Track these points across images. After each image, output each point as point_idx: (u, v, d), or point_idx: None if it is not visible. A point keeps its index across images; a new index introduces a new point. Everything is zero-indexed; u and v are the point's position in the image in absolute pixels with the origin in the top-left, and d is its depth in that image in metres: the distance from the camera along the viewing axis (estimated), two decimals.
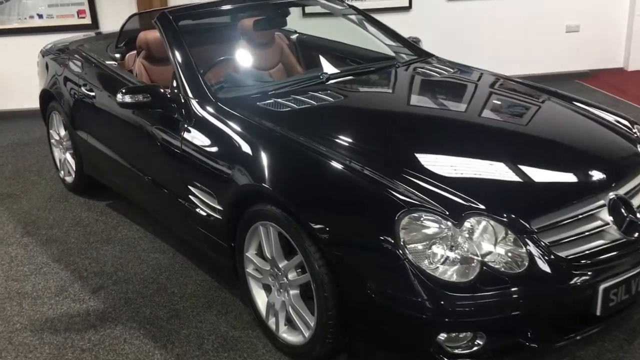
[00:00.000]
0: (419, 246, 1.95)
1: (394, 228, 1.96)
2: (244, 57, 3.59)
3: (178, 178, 2.88)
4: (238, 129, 2.62)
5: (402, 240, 1.94)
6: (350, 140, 2.44)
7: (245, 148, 2.50)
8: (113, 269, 3.19)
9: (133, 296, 2.94)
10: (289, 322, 2.44)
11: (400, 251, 1.92)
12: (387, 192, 2.06)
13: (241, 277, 2.63)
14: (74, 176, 4.14)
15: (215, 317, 2.74)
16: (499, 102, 2.95)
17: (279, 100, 2.77)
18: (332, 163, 2.25)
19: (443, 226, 1.96)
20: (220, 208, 2.59)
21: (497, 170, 2.25)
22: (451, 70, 3.25)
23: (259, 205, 2.40)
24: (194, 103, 2.83)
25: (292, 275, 2.33)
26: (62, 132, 4.15)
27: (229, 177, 2.50)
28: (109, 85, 3.52)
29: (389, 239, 1.95)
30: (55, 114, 4.18)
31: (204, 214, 2.70)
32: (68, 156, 4.16)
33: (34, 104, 4.43)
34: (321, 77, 3.04)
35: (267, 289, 2.53)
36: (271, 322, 2.50)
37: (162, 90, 2.88)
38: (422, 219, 1.98)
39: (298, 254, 2.24)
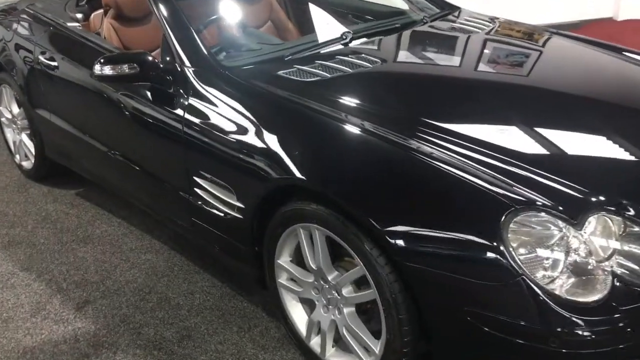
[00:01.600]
0: (533, 255, 1.51)
1: (500, 232, 1.51)
2: (235, 14, 3.01)
3: (179, 167, 2.34)
4: (260, 106, 2.10)
5: (511, 247, 1.50)
6: (413, 116, 1.95)
7: (274, 131, 1.99)
8: (98, 277, 2.65)
9: (129, 312, 2.42)
10: (336, 341, 2.00)
11: (511, 262, 1.49)
12: (486, 185, 1.60)
13: (270, 287, 2.16)
14: (33, 161, 3.50)
15: (237, 336, 2.26)
16: (580, 65, 2.51)
17: (303, 68, 2.24)
18: (401, 149, 1.77)
19: (560, 227, 1.53)
20: (241, 205, 2.09)
21: (606, 150, 1.83)
22: (490, 25, 2.79)
23: (296, 203, 1.91)
24: (195, 74, 2.27)
25: (347, 291, 1.87)
26: (16, 110, 3.49)
27: (253, 168, 1.99)
28: (74, 53, 2.89)
29: (494, 246, 1.51)
30: (5, 88, 3.50)
31: (217, 211, 2.19)
32: (24, 137, 3.51)
33: None
34: (344, 37, 2.51)
35: (308, 303, 2.06)
36: (314, 343, 2.04)
37: (152, 59, 2.30)
38: (534, 219, 1.54)
39: (357, 265, 1.79)
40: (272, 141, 1.96)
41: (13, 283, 2.64)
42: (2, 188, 3.53)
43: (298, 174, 1.85)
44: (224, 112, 2.14)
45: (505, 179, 1.62)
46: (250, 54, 2.48)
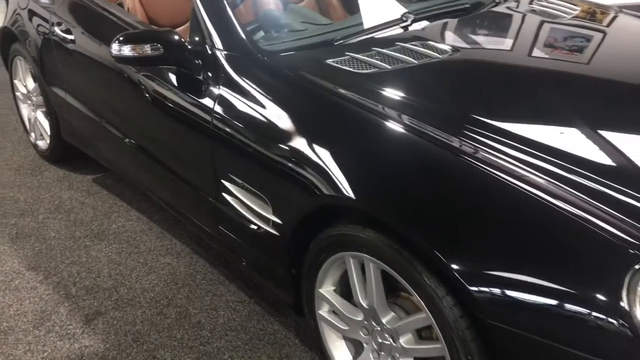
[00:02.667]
0: None
1: (621, 291, 1.15)
2: None
3: (205, 166, 2.01)
4: (306, 103, 1.74)
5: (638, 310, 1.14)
6: (501, 126, 1.54)
7: (323, 136, 1.63)
8: (112, 283, 2.35)
9: (144, 329, 2.11)
10: None
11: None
12: (603, 225, 1.23)
13: (307, 316, 1.83)
14: (48, 142, 3.21)
15: None
16: None
17: (357, 56, 1.86)
18: (487, 170, 1.39)
19: None
20: (278, 221, 1.75)
21: None
22: (576, 8, 2.36)
23: (347, 226, 1.56)
24: (229, 60, 1.92)
25: (406, 340, 1.52)
26: (31, 84, 3.18)
27: (295, 178, 1.64)
28: (93, 26, 2.55)
29: (614, 305, 1.14)
30: (20, 60, 3.19)
31: (248, 223, 1.86)
32: (40, 115, 3.21)
33: None
34: (404, 19, 2.12)
35: (354, 343, 1.73)
36: None
37: (178, 39, 1.95)
38: None
39: (417, 305, 1.44)
40: (320, 148, 1.60)
41: (17, 285, 2.35)
42: (15, 169, 3.25)
43: (350, 193, 1.50)
44: (262, 107, 1.79)
45: (628, 219, 1.24)
46: (292, 35, 2.10)
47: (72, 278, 2.38)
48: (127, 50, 1.95)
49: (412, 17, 2.12)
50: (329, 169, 1.55)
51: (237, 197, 1.90)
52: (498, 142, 1.46)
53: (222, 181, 1.94)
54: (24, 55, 3.07)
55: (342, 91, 1.69)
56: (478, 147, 1.44)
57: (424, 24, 2.14)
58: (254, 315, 2.15)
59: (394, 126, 1.55)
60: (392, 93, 1.69)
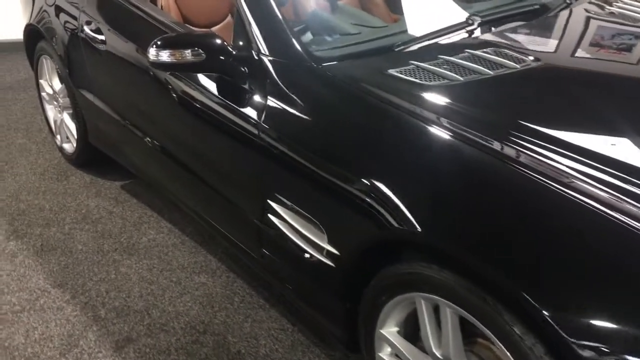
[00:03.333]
0: None
1: None
2: None
3: (250, 184, 1.82)
4: (368, 119, 1.54)
5: None
6: (606, 155, 1.32)
7: (390, 159, 1.43)
8: (143, 304, 2.18)
9: (179, 359, 1.94)
10: None
11: None
12: None
13: (364, 357, 1.63)
14: (74, 145, 3.05)
15: None
16: None
17: (423, 65, 1.66)
18: (583, 199, 1.18)
19: None
20: (334, 251, 1.55)
21: None
22: None
23: (419, 265, 1.36)
24: (277, 68, 1.73)
25: None
26: (57, 85, 3.02)
27: (356, 205, 1.44)
28: (125, 25, 2.38)
29: None
30: (46, 59, 3.03)
31: (298, 250, 1.67)
32: (66, 117, 3.05)
33: (19, 34, 3.26)
34: (469, 22, 1.91)
35: None
36: None
37: (221, 43, 1.76)
38: None
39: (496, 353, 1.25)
40: (387, 173, 1.40)
41: (43, 305, 2.19)
42: (40, 174, 3.10)
43: (424, 227, 1.30)
44: (317, 122, 1.60)
45: None
46: (346, 40, 1.90)
47: (100, 298, 2.22)
48: (165, 56, 1.77)
49: (478, 19, 1.91)
50: (399, 198, 1.36)
51: (286, 220, 1.71)
52: (597, 169, 1.26)
53: (269, 202, 1.75)
54: (50, 54, 2.91)
55: (410, 107, 1.49)
56: (576, 178, 1.24)
57: (492, 27, 1.93)
58: (298, 346, 1.97)
59: (473, 151, 1.34)
60: (470, 110, 1.48)
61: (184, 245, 2.50)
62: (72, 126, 3.02)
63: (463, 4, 2.01)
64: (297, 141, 1.62)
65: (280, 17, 1.79)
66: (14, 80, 4.42)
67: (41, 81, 3.17)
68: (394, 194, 1.37)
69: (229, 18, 2.77)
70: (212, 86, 1.90)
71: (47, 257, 2.45)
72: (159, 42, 1.77)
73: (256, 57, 1.77)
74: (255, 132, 1.72)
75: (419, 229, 1.31)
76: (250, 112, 1.75)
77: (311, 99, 1.64)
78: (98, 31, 2.44)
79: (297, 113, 1.63)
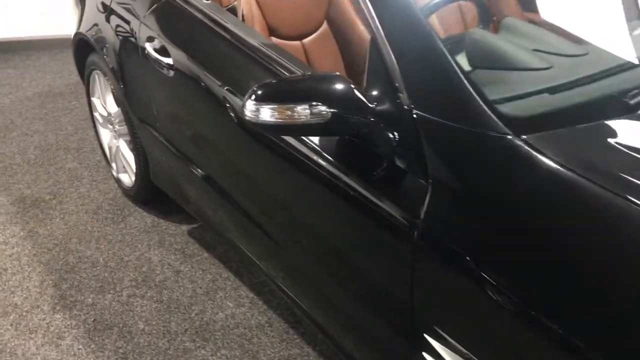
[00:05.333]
0: None
1: None
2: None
3: (393, 302, 1.23)
4: (612, 237, 0.92)
5: None
6: None
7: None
8: None
9: None
10: None
11: None
12: None
13: None
14: (133, 180, 2.53)
15: None
16: None
17: None
18: None
19: None
20: None
21: None
22: None
23: None
24: (448, 137, 1.11)
25: None
26: (112, 107, 2.49)
27: None
28: (199, 44, 1.80)
29: None
30: (99, 76, 2.50)
31: None
32: (123, 146, 2.52)
33: (69, 30, 2.75)
34: None
35: None
36: None
37: (355, 95, 1.16)
38: None
39: None
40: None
41: None
42: (93, 212, 2.59)
43: None
44: (520, 236, 0.98)
45: None
46: (537, 81, 1.26)
47: None
48: (268, 114, 1.18)
49: None
50: None
51: None
52: None
53: (425, 335, 1.16)
54: (104, 71, 2.37)
55: None
56: None
57: None
58: None
59: None
60: None
61: (272, 328, 1.94)
62: (130, 157, 2.49)
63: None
64: (486, 256, 1.02)
65: (445, 52, 1.17)
66: (64, 85, 3.94)
67: (93, 99, 2.65)
68: None
69: (324, 26, 2.17)
70: (334, 147, 1.31)
71: (100, 341, 1.93)
72: (258, 92, 1.18)
73: (409, 117, 1.16)
74: (409, 229, 1.12)
75: None
76: (399, 198, 1.15)
77: (506, 189, 1.02)
78: (163, 52, 1.87)
79: (486, 214, 1.02)
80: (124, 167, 2.60)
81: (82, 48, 2.52)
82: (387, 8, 1.26)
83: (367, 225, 1.23)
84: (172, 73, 1.83)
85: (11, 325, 1.99)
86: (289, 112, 1.16)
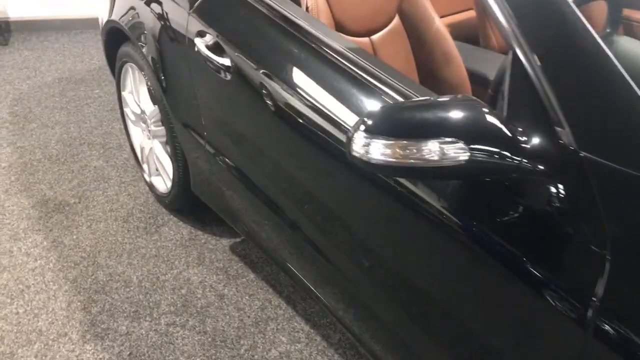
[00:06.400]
0: None
1: None
2: None
3: None
4: None
5: None
6: None
7: None
8: None
9: None
10: None
11: None
12: None
13: None
14: (169, 186, 2.26)
15: None
16: None
17: None
18: None
19: None
20: None
21: None
22: None
23: None
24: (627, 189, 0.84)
25: None
26: (147, 106, 2.22)
27: None
28: (260, 40, 1.52)
29: None
30: (132, 69, 2.23)
31: None
32: (158, 147, 2.26)
33: (91, 11, 2.48)
34: None
35: None
36: None
37: (506, 132, 0.89)
38: None
39: None
40: None
41: None
42: (123, 219, 2.33)
43: None
44: None
45: None
46: None
47: None
48: (383, 151, 0.90)
49: None
50: None
51: None
52: None
53: None
54: (139, 64, 2.09)
55: None
56: None
57: None
58: None
59: None
60: None
61: None
62: (166, 162, 2.23)
63: None
64: None
65: (626, 78, 0.89)
66: (85, 70, 3.66)
67: (124, 94, 2.38)
68: None
69: (395, 21, 1.89)
70: (454, 184, 1.04)
71: None
72: (370, 123, 0.91)
73: (576, 161, 0.88)
74: (578, 311, 0.85)
75: None
76: (563, 268, 0.88)
77: None
78: (219, 50, 1.59)
79: None
80: (156, 169, 2.34)
81: (113, 37, 2.24)
82: (535, 16, 0.98)
83: (511, 297, 0.96)
84: (228, 76, 1.56)
85: (35, 356, 1.75)
86: (414, 150, 0.89)
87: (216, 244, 2.19)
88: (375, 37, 1.87)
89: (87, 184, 2.55)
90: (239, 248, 2.17)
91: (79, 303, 1.94)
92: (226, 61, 1.55)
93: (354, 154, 0.93)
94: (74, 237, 2.24)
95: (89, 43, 4.00)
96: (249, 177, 1.67)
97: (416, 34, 1.92)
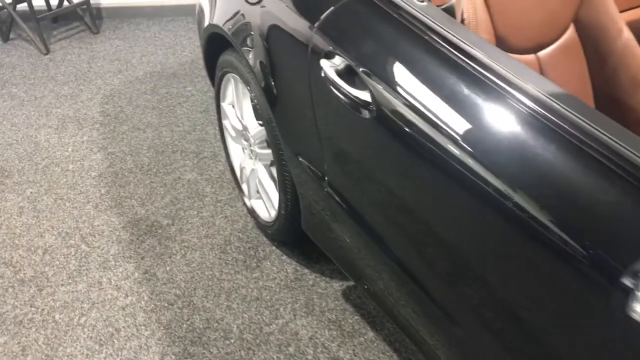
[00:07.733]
0: None
1: None
2: None
3: None
4: None
5: None
6: None
7: None
8: None
9: None
10: None
11: None
12: None
13: None
14: (273, 216, 1.97)
15: None
16: None
17: None
18: None
19: None
20: None
21: None
22: None
23: None
24: None
25: None
26: (251, 123, 1.92)
27: None
28: (424, 77, 1.15)
29: None
30: (235, 81, 1.92)
31: None
32: (262, 172, 1.96)
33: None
34: None
35: None
36: None
37: None
38: None
39: None
40: None
41: None
42: (220, 249, 2.07)
43: None
44: None
45: None
46: None
47: None
48: None
49: None
50: None
51: None
52: None
53: None
54: (244, 78, 1.78)
55: None
56: None
57: None
58: None
59: None
60: None
61: None
62: (270, 189, 1.93)
63: None
64: None
65: None
66: (177, 64, 3.42)
67: (224, 105, 2.09)
68: None
69: (570, 32, 1.48)
70: None
71: None
72: None
73: None
74: None
75: None
76: None
77: None
78: (353, 79, 1.24)
79: None
80: (257, 192, 2.05)
81: (214, 42, 1.94)
82: None
83: None
84: (366, 114, 1.21)
85: None
86: None
87: (326, 288, 1.88)
88: (542, 53, 1.46)
89: (180, 201, 2.30)
90: (353, 295, 1.85)
91: (173, 356, 1.69)
92: (365, 96, 1.20)
93: (634, 315, 0.56)
94: (168, 268, 2.00)
95: (181, 32, 3.76)
96: (382, 238, 1.33)
97: (595, 47, 1.50)
